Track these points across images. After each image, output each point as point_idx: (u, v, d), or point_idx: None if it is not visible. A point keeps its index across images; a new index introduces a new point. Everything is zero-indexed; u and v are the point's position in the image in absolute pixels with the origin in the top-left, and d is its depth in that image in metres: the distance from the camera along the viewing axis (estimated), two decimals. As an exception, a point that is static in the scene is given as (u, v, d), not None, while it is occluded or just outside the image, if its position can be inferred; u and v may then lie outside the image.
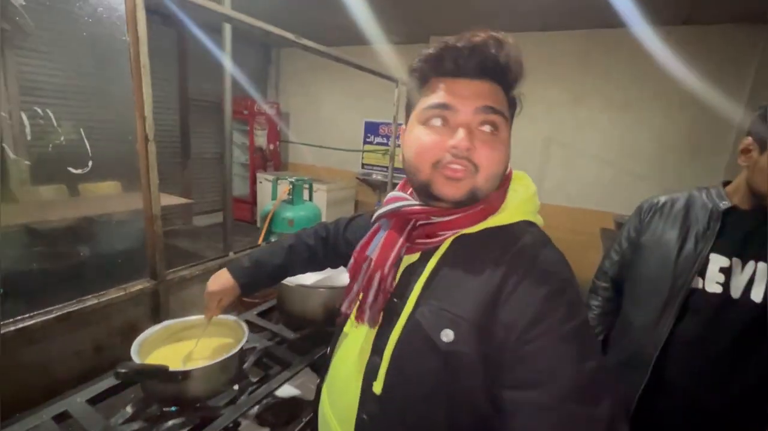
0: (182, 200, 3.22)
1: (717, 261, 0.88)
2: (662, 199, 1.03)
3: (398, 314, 0.54)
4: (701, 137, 3.40)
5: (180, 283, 1.27)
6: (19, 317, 0.91)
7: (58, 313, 0.95)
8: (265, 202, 4.56)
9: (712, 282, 0.88)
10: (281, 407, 1.01)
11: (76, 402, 0.82)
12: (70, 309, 0.97)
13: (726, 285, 0.86)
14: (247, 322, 1.17)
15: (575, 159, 3.89)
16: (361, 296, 0.59)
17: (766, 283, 0.83)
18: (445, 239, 0.56)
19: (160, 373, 0.73)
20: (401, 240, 0.57)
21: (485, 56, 0.52)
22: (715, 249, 0.88)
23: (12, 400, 0.81)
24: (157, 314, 1.18)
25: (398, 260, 0.57)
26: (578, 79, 3.77)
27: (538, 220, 0.61)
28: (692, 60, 3.18)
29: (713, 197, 0.94)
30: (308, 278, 1.17)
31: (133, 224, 1.76)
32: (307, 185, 2.30)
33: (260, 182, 4.93)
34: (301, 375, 1.04)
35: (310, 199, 2.37)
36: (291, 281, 1.13)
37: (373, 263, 0.57)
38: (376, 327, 0.58)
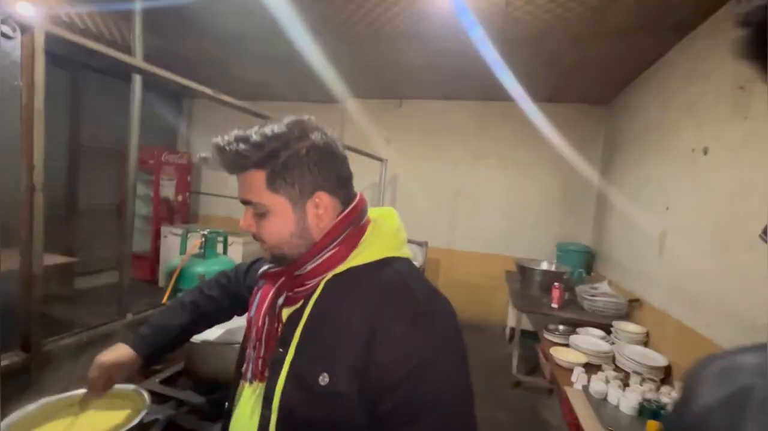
0: (62, 259, 2.79)
1: None
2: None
3: (282, 364, 0.57)
4: (574, 190, 4.11)
5: (60, 355, 1.09)
6: None
7: None
8: (171, 258, 4.16)
9: None
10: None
11: None
12: None
13: None
14: (149, 392, 1.04)
15: (480, 209, 4.35)
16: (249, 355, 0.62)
17: None
18: (319, 283, 0.60)
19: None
20: (272, 292, 0.62)
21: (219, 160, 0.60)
22: None
23: None
24: (27, 394, 0.97)
25: (273, 310, 0.61)
26: (477, 142, 4.35)
27: (405, 253, 0.65)
28: (560, 130, 3.94)
29: None
30: (213, 333, 1.10)
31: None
32: (221, 238, 2.19)
33: (165, 237, 4.50)
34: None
35: (225, 252, 2.25)
36: (197, 338, 1.05)
37: (252, 321, 0.63)
38: (265, 382, 0.60)
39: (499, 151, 4.30)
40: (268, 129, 0.57)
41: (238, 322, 1.14)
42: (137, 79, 2.15)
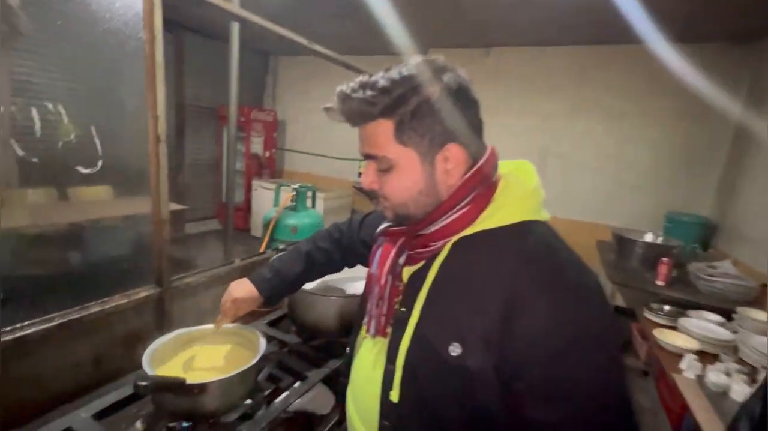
0: (178, 207, 3.15)
1: None
2: None
3: (406, 324, 0.54)
4: (695, 150, 3.47)
5: (184, 291, 1.22)
6: (18, 326, 0.85)
7: (60, 321, 0.89)
8: (261, 209, 4.50)
9: None
10: (293, 422, 0.96)
11: (81, 417, 0.77)
12: (72, 317, 0.91)
13: None
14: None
15: (572, 170, 3.93)
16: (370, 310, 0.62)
17: None
18: (444, 244, 0.55)
19: (176, 386, 0.68)
20: (393, 251, 0.59)
21: (343, 109, 0.55)
22: None
23: (2, 418, 0.75)
24: (161, 323, 1.12)
25: (395, 269, 0.58)
26: (575, 92, 3.84)
27: (543, 216, 0.57)
28: (685, 76, 3.27)
29: None
30: (315, 282, 1.13)
31: (127, 230, 1.68)
32: (310, 193, 2.27)
33: (255, 190, 4.85)
34: (314, 388, 0.99)
35: (313, 206, 2.33)
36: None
37: (373, 278, 0.61)
38: (389, 336, 0.58)
39: (600, 103, 3.75)
40: (395, 72, 0.51)
41: (336, 276, 1.16)
42: (235, 35, 2.22)
